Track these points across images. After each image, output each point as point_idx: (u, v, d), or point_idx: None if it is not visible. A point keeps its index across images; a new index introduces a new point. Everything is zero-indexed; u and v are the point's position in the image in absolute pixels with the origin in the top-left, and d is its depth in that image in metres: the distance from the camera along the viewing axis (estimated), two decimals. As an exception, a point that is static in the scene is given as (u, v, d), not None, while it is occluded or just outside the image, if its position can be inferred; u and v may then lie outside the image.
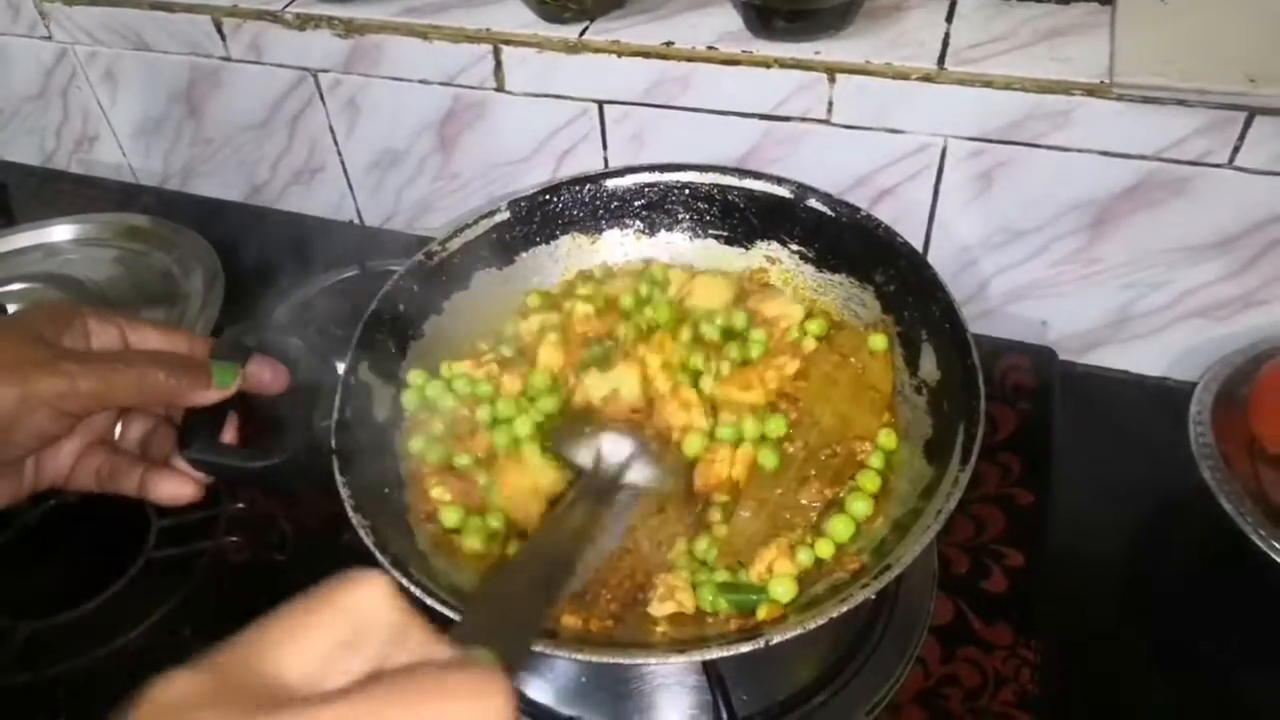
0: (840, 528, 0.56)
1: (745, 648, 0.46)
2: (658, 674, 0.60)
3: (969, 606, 0.64)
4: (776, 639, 0.46)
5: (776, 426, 0.61)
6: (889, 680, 0.59)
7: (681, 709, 0.59)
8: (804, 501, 0.58)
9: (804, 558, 0.55)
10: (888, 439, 0.61)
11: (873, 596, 0.48)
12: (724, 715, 0.56)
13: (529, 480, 0.61)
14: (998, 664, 0.61)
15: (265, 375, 0.57)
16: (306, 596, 0.29)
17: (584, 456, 0.58)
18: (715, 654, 0.47)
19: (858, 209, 0.67)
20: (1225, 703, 0.62)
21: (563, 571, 0.45)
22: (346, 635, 0.28)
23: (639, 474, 0.57)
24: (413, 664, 0.29)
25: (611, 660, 0.49)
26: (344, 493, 0.54)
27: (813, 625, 0.46)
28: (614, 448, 0.58)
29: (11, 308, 0.90)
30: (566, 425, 0.63)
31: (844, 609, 0.47)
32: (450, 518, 0.59)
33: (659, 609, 0.54)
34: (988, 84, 0.72)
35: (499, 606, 0.39)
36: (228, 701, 0.26)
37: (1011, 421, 0.75)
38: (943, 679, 0.60)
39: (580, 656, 0.48)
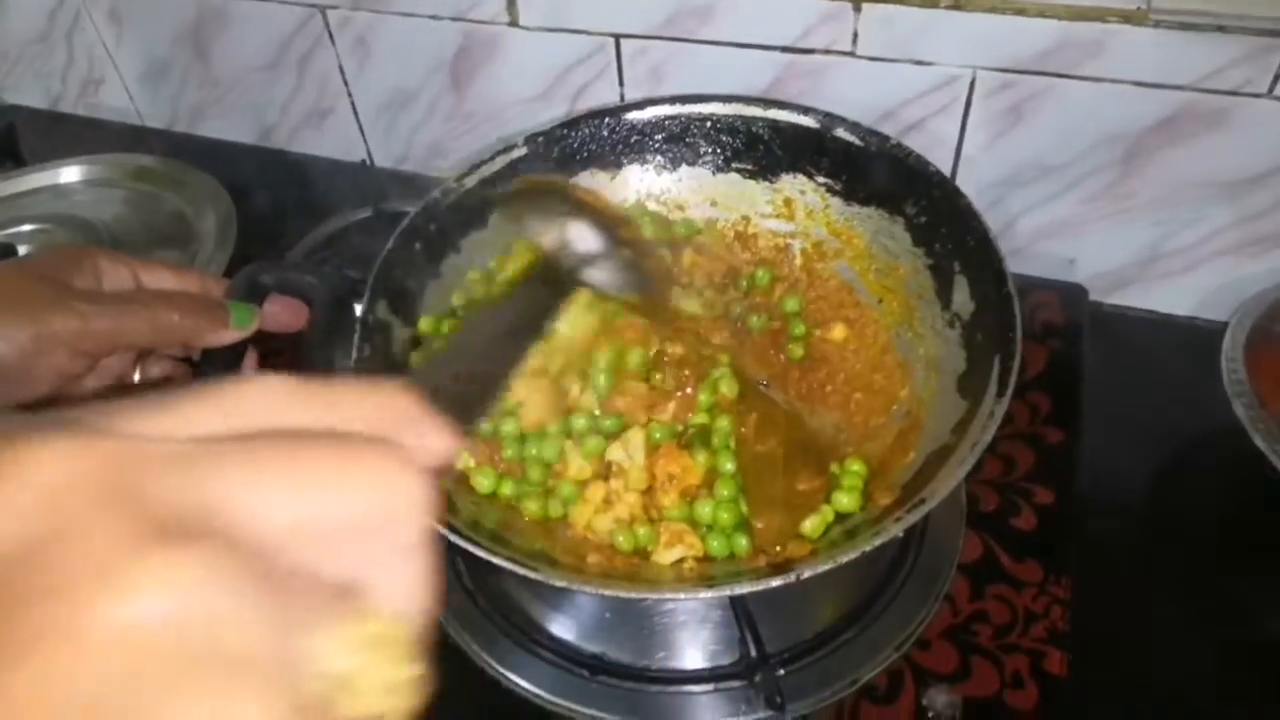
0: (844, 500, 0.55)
1: (776, 582, 0.46)
2: (681, 610, 0.60)
3: (998, 544, 0.63)
4: (807, 574, 0.45)
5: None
6: (917, 617, 0.59)
7: (705, 645, 0.59)
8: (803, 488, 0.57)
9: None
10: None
11: (901, 534, 0.47)
12: (753, 651, 0.55)
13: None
14: (1028, 601, 0.60)
15: (284, 314, 0.56)
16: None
17: (548, 237, 0.52)
18: (746, 588, 0.46)
19: (887, 138, 0.65)
20: (1257, 640, 0.61)
21: (502, 367, 0.40)
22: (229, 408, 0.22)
23: (604, 276, 0.52)
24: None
25: (639, 596, 0.48)
26: None
27: (844, 559, 0.46)
28: (581, 238, 0.52)
29: (22, 249, 0.89)
30: (537, 195, 0.58)
31: (876, 543, 0.46)
32: (484, 483, 0.58)
33: (665, 555, 0.53)
34: (1019, 11, 0.69)
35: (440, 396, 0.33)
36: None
37: (1041, 359, 0.74)
38: (972, 615, 0.60)
39: (608, 592, 0.48)
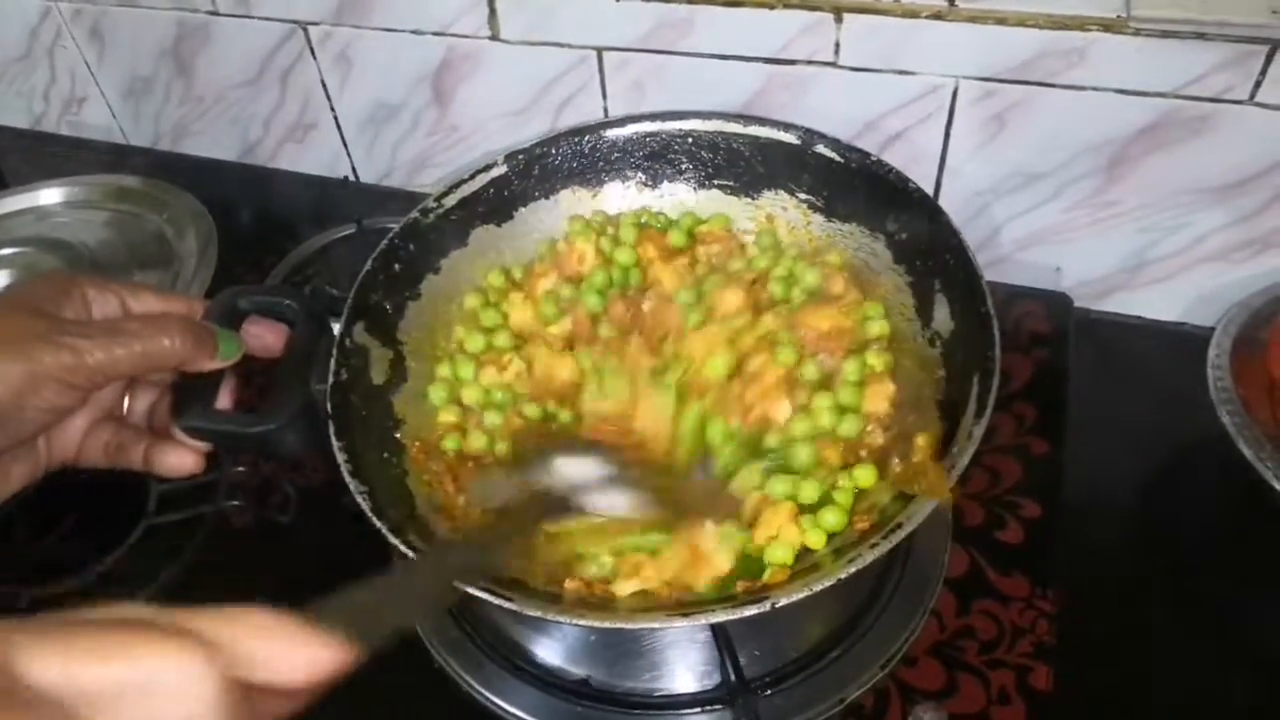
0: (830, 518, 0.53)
1: (750, 611, 0.45)
2: (666, 635, 0.59)
3: (984, 558, 0.63)
4: (782, 601, 0.45)
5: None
6: (903, 634, 0.58)
7: (693, 666, 0.59)
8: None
9: (811, 535, 0.52)
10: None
11: (881, 556, 0.46)
12: (733, 676, 0.55)
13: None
14: (1014, 615, 0.60)
15: (266, 338, 0.56)
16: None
17: (544, 476, 0.53)
18: (720, 617, 0.46)
19: (868, 154, 0.65)
20: (1246, 649, 0.61)
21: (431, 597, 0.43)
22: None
23: (607, 500, 0.52)
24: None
25: (612, 625, 0.48)
26: (340, 458, 0.53)
27: (819, 587, 0.45)
28: (575, 469, 0.53)
29: (3, 273, 0.89)
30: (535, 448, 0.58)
31: (851, 570, 0.45)
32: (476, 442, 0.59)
33: (623, 587, 0.52)
34: (1000, 21, 0.69)
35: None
36: None
37: (1026, 370, 0.74)
38: (958, 631, 0.59)
39: (580, 622, 0.47)
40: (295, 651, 0.29)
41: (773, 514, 0.53)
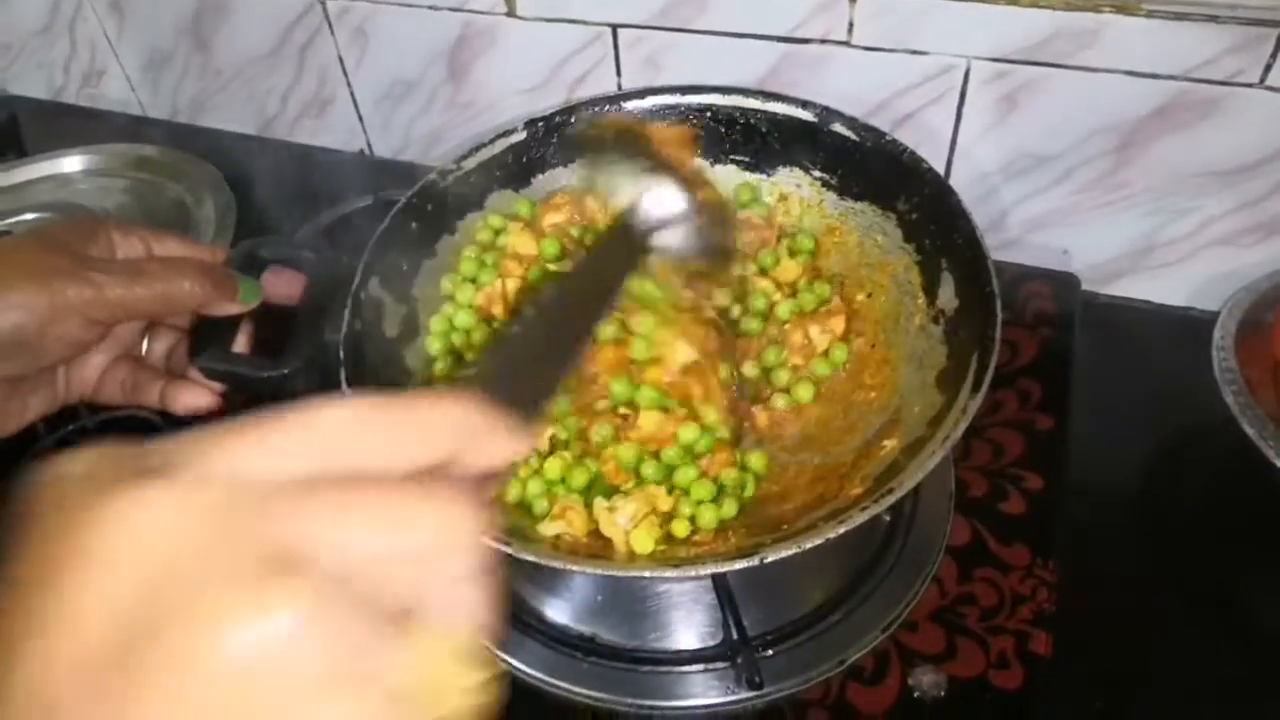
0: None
1: (740, 565, 0.47)
2: (673, 592, 0.60)
3: (986, 528, 0.64)
4: (771, 557, 0.46)
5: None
6: (905, 599, 0.59)
7: (697, 627, 0.60)
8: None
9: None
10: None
11: (885, 517, 0.48)
12: (734, 633, 0.56)
13: None
14: (1015, 583, 0.61)
15: (283, 285, 0.57)
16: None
17: (624, 192, 0.50)
18: (710, 570, 0.47)
19: (883, 134, 0.65)
20: (1245, 627, 0.62)
21: (575, 341, 0.39)
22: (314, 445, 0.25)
23: (677, 239, 0.51)
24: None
25: (602, 572, 0.50)
26: None
27: (809, 545, 0.47)
28: (662, 200, 0.50)
29: (24, 238, 0.90)
30: (615, 143, 0.54)
31: (841, 530, 0.47)
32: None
33: (548, 528, 0.54)
34: (1013, 1, 0.70)
35: (505, 386, 0.32)
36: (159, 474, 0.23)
37: (1032, 347, 0.75)
38: (959, 598, 0.60)
39: (574, 567, 0.49)
40: (497, 440, 0.28)
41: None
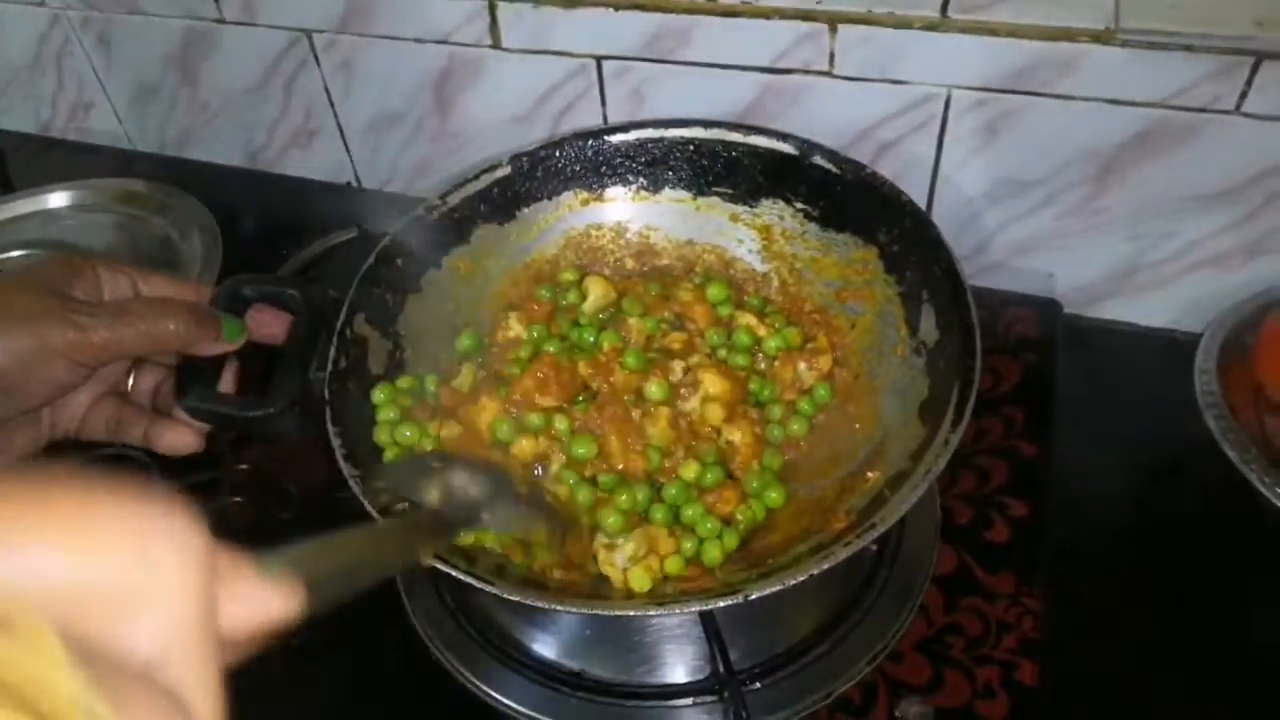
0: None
1: (724, 602, 0.47)
2: (661, 626, 0.60)
3: (972, 556, 0.64)
4: (756, 594, 0.46)
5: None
6: (891, 630, 0.59)
7: (685, 659, 0.60)
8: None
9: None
10: None
11: (871, 547, 0.48)
12: (720, 667, 0.56)
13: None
14: (1000, 612, 0.61)
15: (269, 324, 0.57)
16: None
17: (428, 493, 0.49)
18: (695, 607, 0.47)
19: (863, 166, 0.66)
20: (1230, 650, 0.62)
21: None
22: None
23: (496, 516, 0.50)
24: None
25: (589, 611, 0.50)
26: (335, 443, 0.54)
27: (791, 582, 0.47)
28: (467, 483, 0.50)
29: (10, 275, 0.90)
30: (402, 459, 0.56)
31: (824, 566, 0.47)
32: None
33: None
34: (991, 32, 0.70)
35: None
36: None
37: (1015, 373, 0.75)
38: (945, 628, 0.60)
39: (560, 608, 0.50)
40: (248, 595, 0.24)
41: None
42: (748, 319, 0.65)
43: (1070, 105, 0.72)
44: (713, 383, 0.60)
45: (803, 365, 0.63)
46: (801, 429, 0.62)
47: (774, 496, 0.58)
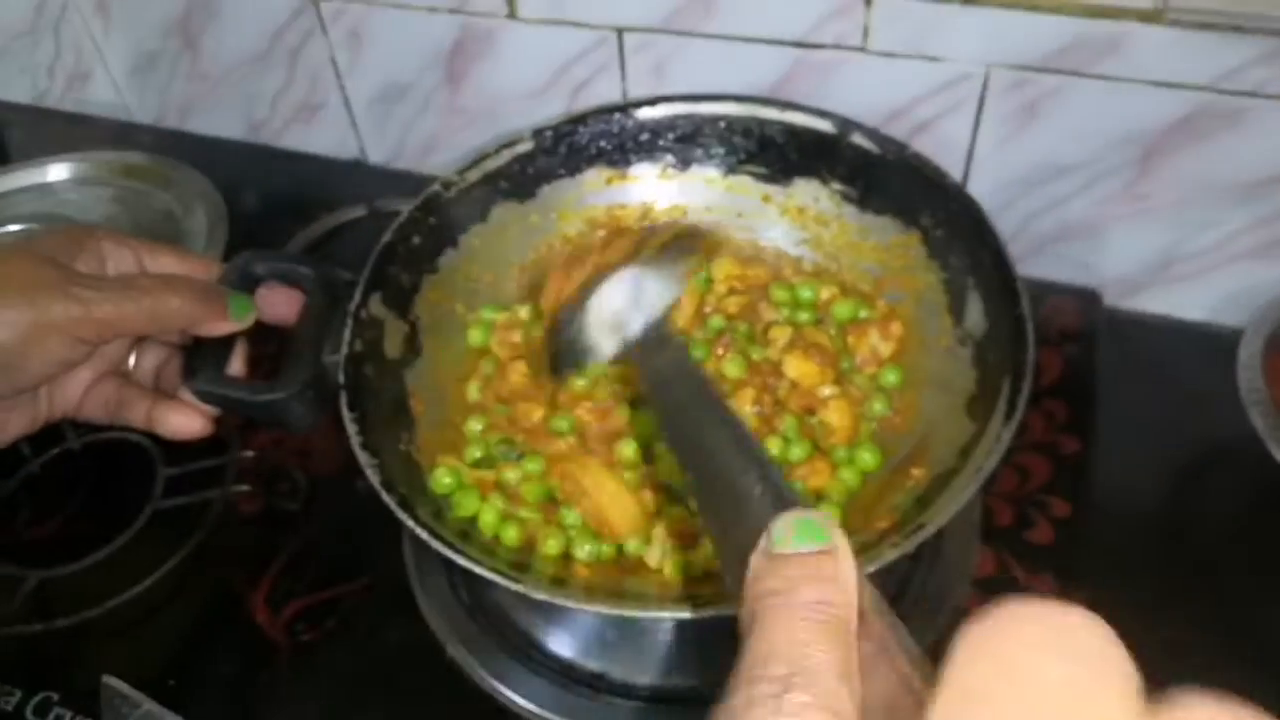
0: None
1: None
2: (682, 627, 0.58)
3: (1013, 557, 0.62)
4: None
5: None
6: (929, 633, 0.57)
7: (713, 663, 0.57)
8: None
9: None
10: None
11: (910, 554, 0.45)
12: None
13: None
14: (1042, 616, 0.58)
15: (281, 305, 0.55)
16: None
17: (606, 344, 0.51)
18: (731, 611, 0.45)
19: (905, 146, 0.63)
20: (1274, 649, 0.59)
21: None
22: None
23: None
24: None
25: (612, 612, 0.48)
26: (351, 429, 0.52)
27: None
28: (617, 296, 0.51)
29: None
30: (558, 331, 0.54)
31: (870, 568, 0.44)
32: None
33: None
34: (1033, 7, 0.68)
35: None
36: None
37: (1056, 366, 0.72)
38: (986, 632, 0.58)
39: (588, 608, 0.48)
40: None
41: None
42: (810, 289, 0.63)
43: (1113, 86, 0.69)
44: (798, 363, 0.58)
45: (875, 334, 0.60)
46: (884, 407, 0.59)
47: (867, 459, 0.56)
